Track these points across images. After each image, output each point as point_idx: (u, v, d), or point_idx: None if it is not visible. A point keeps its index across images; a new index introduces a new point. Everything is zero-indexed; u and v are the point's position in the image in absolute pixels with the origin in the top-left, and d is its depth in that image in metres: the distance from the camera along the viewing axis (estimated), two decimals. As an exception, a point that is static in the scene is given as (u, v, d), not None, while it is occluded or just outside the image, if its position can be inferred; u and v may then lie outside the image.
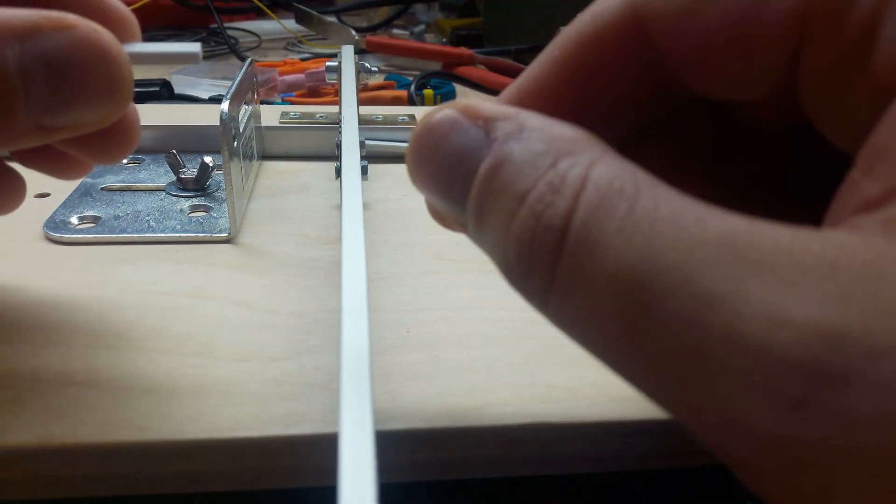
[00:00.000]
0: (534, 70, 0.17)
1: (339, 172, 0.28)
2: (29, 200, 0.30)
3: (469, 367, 0.21)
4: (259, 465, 0.18)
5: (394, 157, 0.37)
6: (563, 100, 0.17)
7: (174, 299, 0.24)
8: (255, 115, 0.35)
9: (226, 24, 0.72)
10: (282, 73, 0.55)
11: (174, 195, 0.31)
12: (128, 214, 0.29)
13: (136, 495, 0.18)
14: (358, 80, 0.35)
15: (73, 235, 0.27)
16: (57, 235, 0.27)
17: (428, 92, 0.52)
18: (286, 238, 0.28)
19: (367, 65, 0.37)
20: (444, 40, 0.75)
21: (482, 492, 0.22)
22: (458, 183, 0.14)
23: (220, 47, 0.71)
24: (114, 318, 0.22)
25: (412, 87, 0.52)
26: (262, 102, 0.44)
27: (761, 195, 0.19)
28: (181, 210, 0.30)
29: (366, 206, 0.31)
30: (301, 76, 0.55)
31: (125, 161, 0.34)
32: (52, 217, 0.28)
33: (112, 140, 0.21)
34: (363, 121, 0.38)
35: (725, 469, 0.12)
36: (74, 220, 0.28)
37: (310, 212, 0.31)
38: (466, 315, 0.23)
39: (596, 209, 0.12)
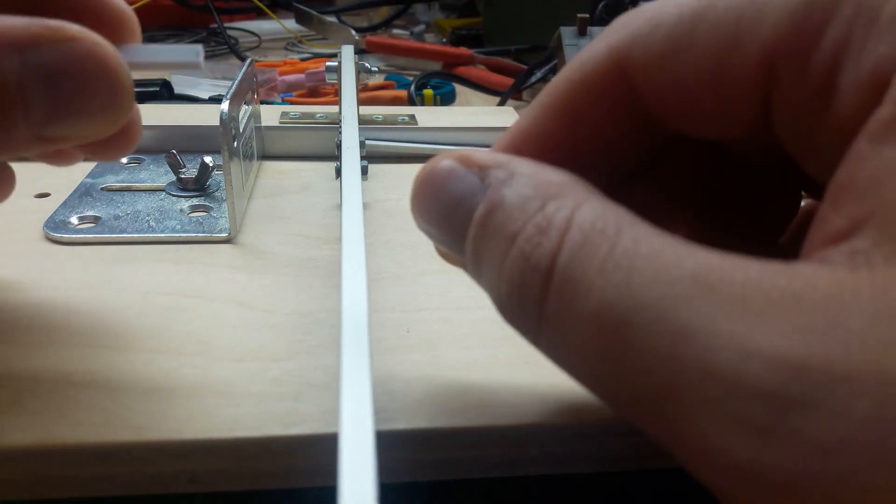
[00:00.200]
0: (527, 117, 0.18)
1: (339, 172, 0.28)
2: (29, 200, 0.30)
3: (469, 367, 0.21)
4: (259, 465, 0.18)
5: (394, 157, 0.37)
6: (555, 145, 0.17)
7: (174, 299, 0.24)
8: (255, 115, 0.35)
9: (226, 24, 0.72)
10: (282, 73, 0.55)
11: (174, 195, 0.31)
12: (128, 214, 0.29)
13: (135, 495, 0.18)
14: (358, 80, 0.35)
15: (73, 235, 0.27)
16: (57, 235, 0.27)
17: (428, 92, 0.52)
18: (286, 238, 0.28)
19: (367, 65, 0.37)
20: (444, 40, 0.75)
21: (482, 492, 0.22)
22: (457, 226, 0.15)
23: (220, 47, 0.71)
24: (113, 318, 0.22)
25: (412, 87, 0.52)
26: (262, 102, 0.44)
27: (751, 227, 0.20)
28: (181, 210, 0.30)
29: (366, 206, 0.31)
30: (301, 76, 0.55)
31: (125, 161, 0.34)
32: (52, 217, 0.28)
33: (113, 138, 0.21)
34: (363, 121, 0.38)
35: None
36: (74, 220, 0.28)
37: (310, 212, 0.31)
38: (466, 315, 0.23)
39: (579, 250, 0.13)
